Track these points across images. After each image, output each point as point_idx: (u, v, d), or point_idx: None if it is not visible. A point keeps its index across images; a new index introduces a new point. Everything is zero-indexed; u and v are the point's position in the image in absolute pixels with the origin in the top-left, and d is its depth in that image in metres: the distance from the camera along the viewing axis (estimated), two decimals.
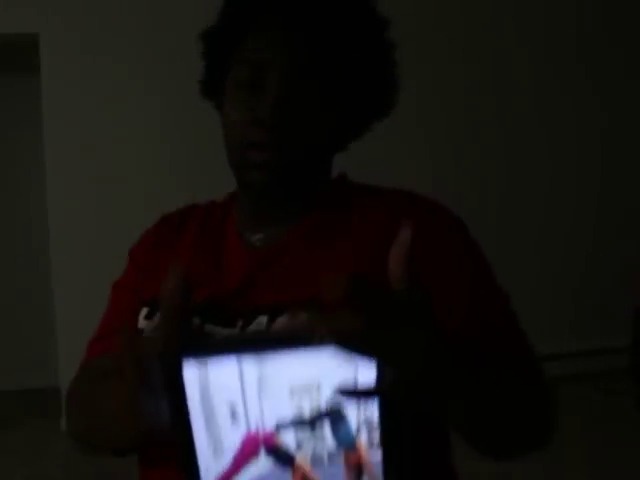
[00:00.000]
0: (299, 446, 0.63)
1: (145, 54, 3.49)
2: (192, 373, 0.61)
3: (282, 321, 0.74)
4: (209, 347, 0.63)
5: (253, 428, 0.63)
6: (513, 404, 0.71)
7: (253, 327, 0.76)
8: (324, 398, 0.61)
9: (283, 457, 0.64)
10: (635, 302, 3.23)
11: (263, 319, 0.76)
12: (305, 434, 0.63)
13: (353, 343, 0.51)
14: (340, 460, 0.63)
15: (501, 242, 3.86)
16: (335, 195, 0.89)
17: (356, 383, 0.58)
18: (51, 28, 3.40)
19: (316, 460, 0.63)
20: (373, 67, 0.83)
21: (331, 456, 0.63)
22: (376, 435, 0.62)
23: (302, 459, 0.64)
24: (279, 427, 0.63)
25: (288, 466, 0.64)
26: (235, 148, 0.82)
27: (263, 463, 0.64)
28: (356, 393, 0.58)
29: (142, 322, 0.85)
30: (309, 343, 0.52)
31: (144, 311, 0.85)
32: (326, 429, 0.62)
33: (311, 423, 0.62)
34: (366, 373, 0.57)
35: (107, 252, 3.52)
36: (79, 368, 0.92)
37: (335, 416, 0.62)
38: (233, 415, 0.63)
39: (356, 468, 0.63)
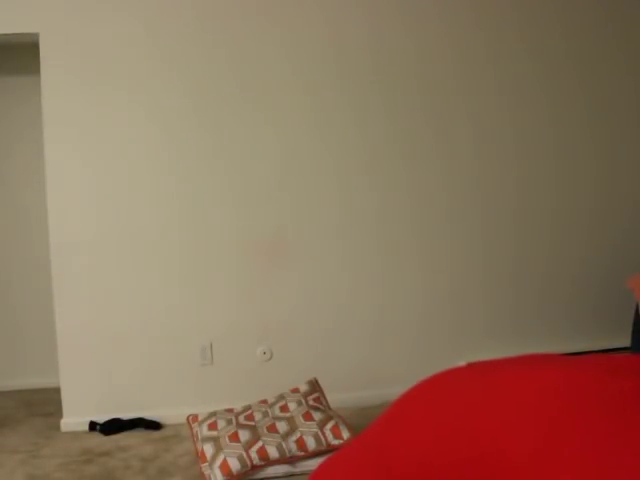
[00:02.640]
0: None
1: (145, 54, 3.49)
2: None
3: None
4: None
5: None
6: None
7: None
8: None
9: None
10: (635, 302, 3.22)
11: None
12: None
13: None
14: None
15: (509, 244, 3.86)
16: None
17: None
18: (51, 28, 3.40)
19: None
20: None
21: None
22: None
23: None
24: None
25: None
26: None
27: None
28: None
29: None
30: None
31: None
32: None
33: None
34: None
35: (106, 252, 3.53)
36: None
37: None
38: None
39: None
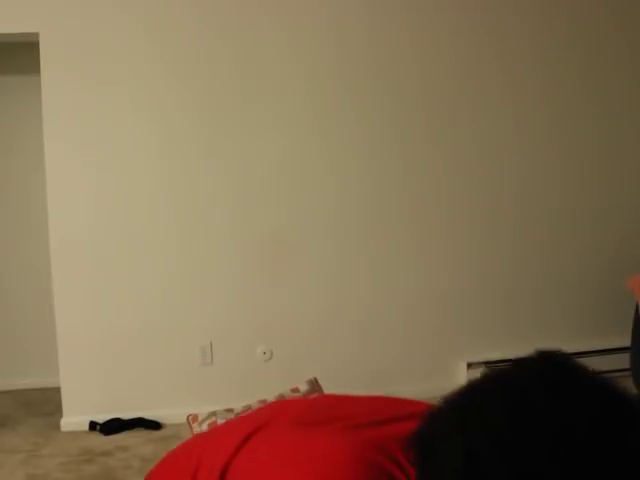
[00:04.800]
0: None
1: (145, 54, 3.49)
2: None
3: None
4: None
5: None
6: None
7: None
8: None
9: None
10: (635, 302, 3.22)
11: None
12: None
13: None
14: None
15: (508, 243, 3.86)
16: None
17: None
18: (51, 28, 3.40)
19: None
20: None
21: None
22: None
23: None
24: None
25: None
26: None
27: None
28: None
29: None
30: None
31: None
32: None
33: None
34: None
35: (106, 252, 3.53)
36: None
37: None
38: None
39: None
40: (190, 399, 3.58)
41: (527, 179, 3.87)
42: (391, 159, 3.72)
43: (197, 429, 3.03)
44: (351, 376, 3.70)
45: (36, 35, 3.39)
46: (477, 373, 3.74)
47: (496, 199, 3.84)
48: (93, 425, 3.47)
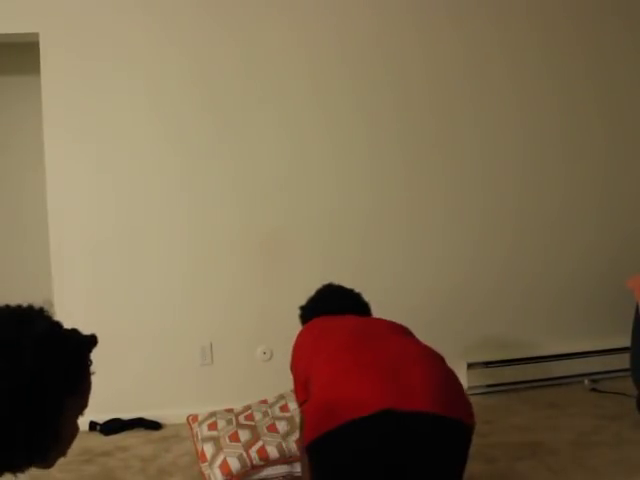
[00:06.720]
0: None
1: (145, 54, 3.49)
2: None
3: None
4: None
5: None
6: None
7: None
8: None
9: None
10: (635, 302, 3.22)
11: None
12: None
13: None
14: None
15: (508, 242, 3.86)
16: None
17: None
18: (51, 28, 3.40)
19: None
20: None
21: None
22: None
23: None
24: None
25: None
26: None
27: None
28: None
29: None
30: None
31: None
32: None
33: None
34: None
35: (106, 253, 3.53)
36: None
37: None
38: None
39: None
40: (190, 399, 3.58)
41: (529, 179, 3.87)
42: (393, 161, 3.72)
43: (197, 429, 3.04)
44: None
45: (36, 35, 3.39)
46: (477, 373, 3.74)
47: (497, 200, 3.84)
48: (93, 425, 3.47)
